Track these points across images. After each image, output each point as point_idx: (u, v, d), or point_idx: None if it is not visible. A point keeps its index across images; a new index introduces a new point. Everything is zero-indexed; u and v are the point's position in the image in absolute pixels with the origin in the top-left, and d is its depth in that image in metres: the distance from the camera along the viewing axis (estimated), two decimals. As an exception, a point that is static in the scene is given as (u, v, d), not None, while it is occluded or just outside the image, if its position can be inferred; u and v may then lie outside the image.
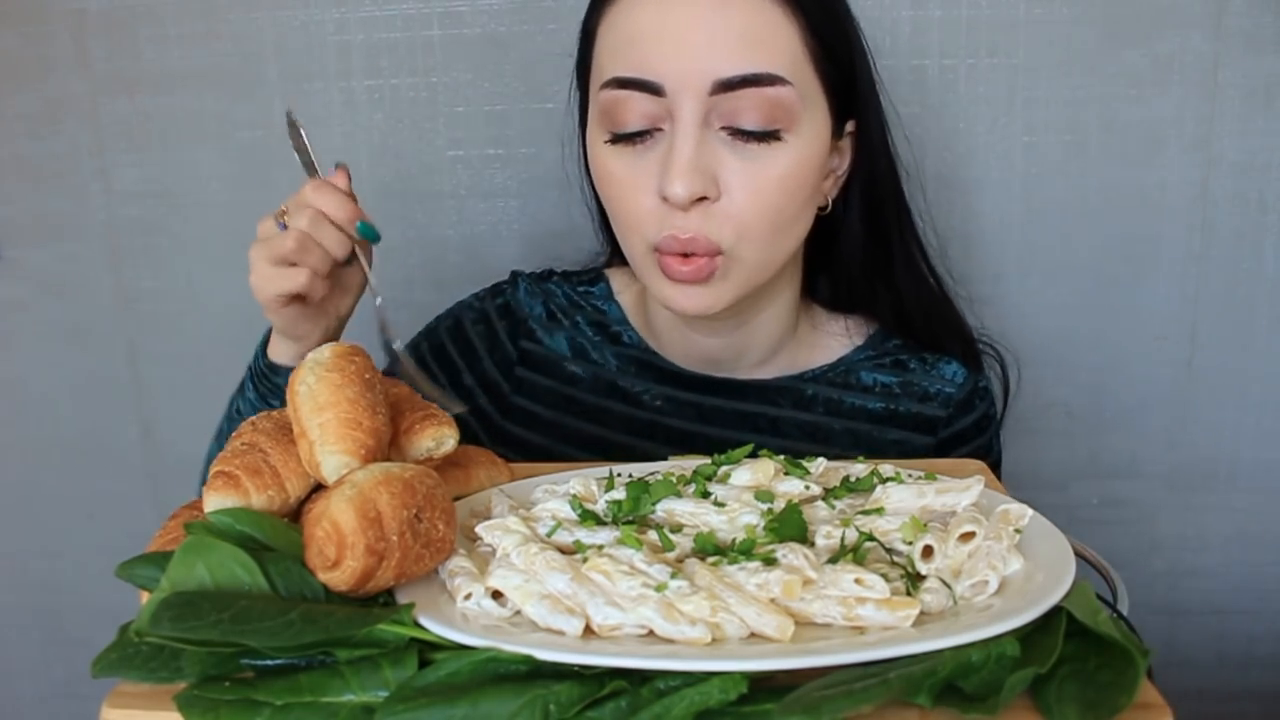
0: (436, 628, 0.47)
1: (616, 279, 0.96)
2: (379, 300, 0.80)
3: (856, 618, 0.47)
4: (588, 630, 0.48)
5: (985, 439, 0.93)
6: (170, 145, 1.20)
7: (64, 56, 1.19)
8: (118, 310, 1.26)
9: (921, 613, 0.48)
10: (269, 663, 0.47)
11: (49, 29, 1.18)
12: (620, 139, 0.78)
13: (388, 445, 0.58)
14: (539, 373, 0.94)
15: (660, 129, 0.77)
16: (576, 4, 0.83)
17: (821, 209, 0.85)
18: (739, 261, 0.78)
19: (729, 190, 0.76)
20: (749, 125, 0.75)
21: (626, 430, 0.91)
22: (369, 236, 0.77)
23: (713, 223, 0.77)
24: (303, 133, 0.79)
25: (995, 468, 0.93)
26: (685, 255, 0.77)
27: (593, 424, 0.92)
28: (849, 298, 0.93)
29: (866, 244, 0.89)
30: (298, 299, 0.76)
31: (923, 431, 0.90)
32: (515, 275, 0.97)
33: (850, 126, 0.84)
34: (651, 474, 0.65)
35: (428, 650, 0.47)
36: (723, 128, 0.76)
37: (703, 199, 0.76)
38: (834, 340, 0.93)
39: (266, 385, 0.82)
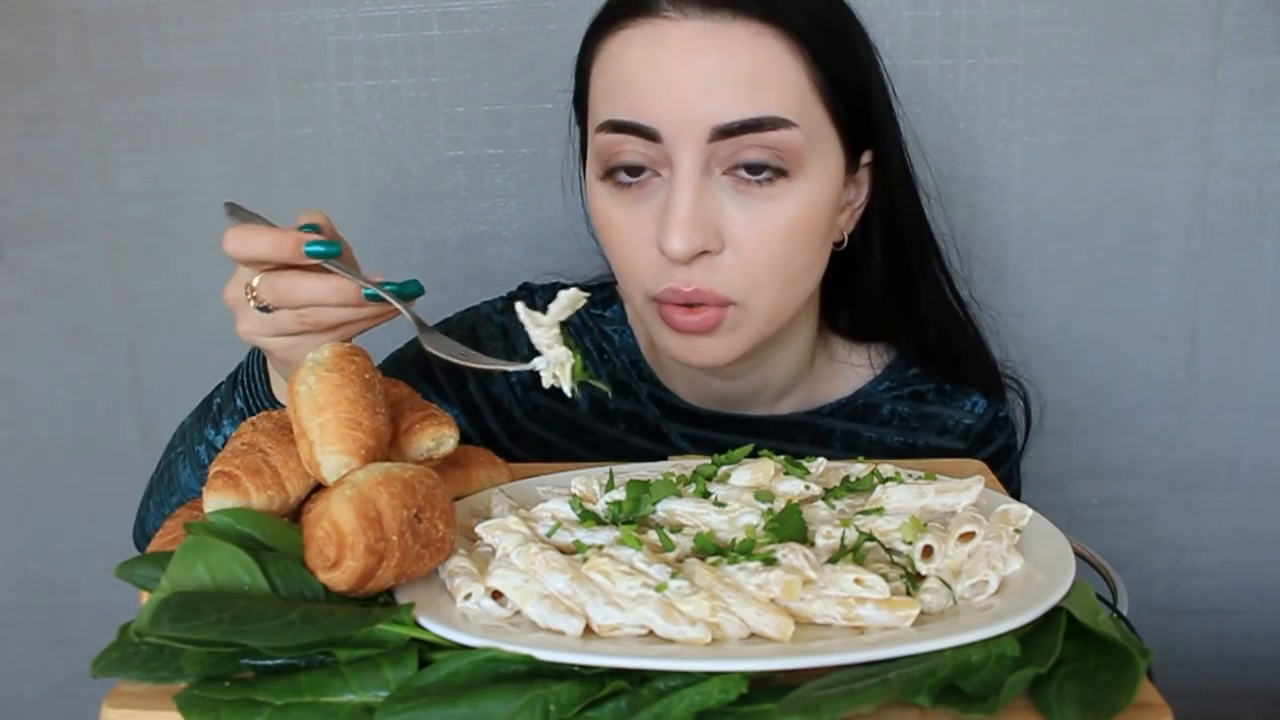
0: (436, 628, 0.47)
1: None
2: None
3: (856, 618, 0.47)
4: (588, 630, 0.48)
5: (1004, 470, 0.91)
6: (170, 145, 1.20)
7: (64, 56, 1.19)
8: (118, 310, 1.26)
9: (921, 613, 0.48)
10: (269, 663, 0.47)
11: (49, 29, 1.18)
12: (618, 183, 0.74)
13: (388, 445, 0.58)
14: (556, 400, 0.88)
15: (659, 174, 0.73)
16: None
17: (838, 244, 0.81)
18: (750, 313, 0.74)
19: (734, 242, 0.72)
20: (752, 173, 0.71)
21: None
22: (319, 253, 0.63)
23: (718, 276, 0.72)
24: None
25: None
26: (689, 306, 0.73)
27: (607, 456, 0.86)
28: (870, 329, 0.90)
29: (889, 275, 0.85)
30: None
31: None
32: (529, 289, 0.91)
33: (867, 157, 0.80)
34: (652, 474, 0.65)
35: (428, 650, 0.47)
36: (724, 174, 0.71)
37: (704, 253, 0.72)
38: (852, 372, 0.90)
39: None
